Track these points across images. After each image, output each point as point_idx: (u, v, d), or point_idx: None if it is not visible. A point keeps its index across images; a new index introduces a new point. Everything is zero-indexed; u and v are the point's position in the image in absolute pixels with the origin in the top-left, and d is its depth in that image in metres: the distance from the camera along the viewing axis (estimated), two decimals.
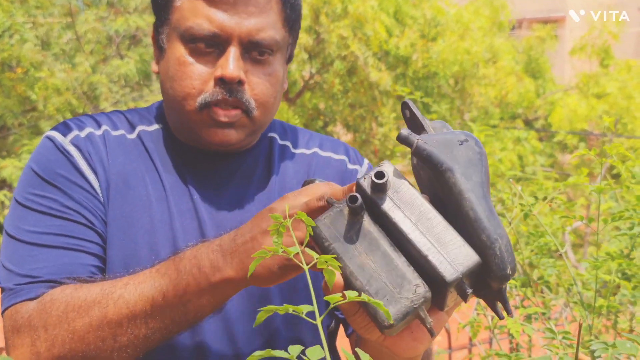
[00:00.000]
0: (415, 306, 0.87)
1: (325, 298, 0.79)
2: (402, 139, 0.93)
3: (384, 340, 0.97)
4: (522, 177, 3.81)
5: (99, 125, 1.28)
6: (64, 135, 1.24)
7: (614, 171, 4.40)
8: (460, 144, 0.92)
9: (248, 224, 1.03)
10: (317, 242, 0.93)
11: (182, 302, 1.03)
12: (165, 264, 1.06)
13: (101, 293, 1.06)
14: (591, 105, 8.14)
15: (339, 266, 0.88)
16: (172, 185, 1.27)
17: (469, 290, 0.87)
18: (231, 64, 1.19)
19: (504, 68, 8.13)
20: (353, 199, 0.90)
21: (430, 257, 0.88)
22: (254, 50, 1.21)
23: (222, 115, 1.21)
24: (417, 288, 0.88)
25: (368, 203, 0.92)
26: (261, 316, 0.76)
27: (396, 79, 7.77)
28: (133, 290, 1.05)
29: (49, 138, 1.25)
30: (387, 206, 0.92)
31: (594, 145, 7.80)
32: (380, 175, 0.91)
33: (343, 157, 1.40)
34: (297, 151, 1.39)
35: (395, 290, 0.88)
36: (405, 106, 0.99)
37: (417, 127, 0.98)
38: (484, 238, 0.87)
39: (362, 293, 0.81)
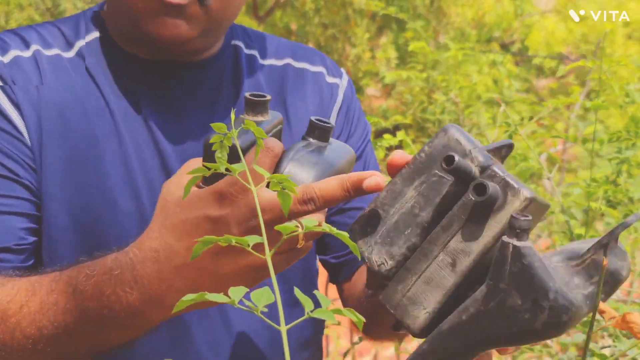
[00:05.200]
0: (366, 261, 0.81)
1: (277, 227, 0.64)
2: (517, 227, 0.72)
3: None
4: (501, 99, 3.64)
5: (27, 45, 1.03)
6: None
7: (591, 95, 4.28)
8: (533, 302, 0.71)
9: (157, 241, 0.79)
10: (429, 141, 0.80)
11: (92, 333, 0.83)
12: (65, 288, 0.83)
13: (8, 301, 0.85)
14: (569, 28, 7.97)
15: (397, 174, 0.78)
16: (122, 111, 1.04)
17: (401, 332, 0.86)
18: None
19: None
20: (448, 161, 0.74)
21: (402, 272, 0.78)
22: None
23: None
24: (385, 261, 0.79)
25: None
26: (198, 248, 0.65)
27: None
28: (38, 307, 0.84)
29: None
30: (459, 213, 0.76)
31: (573, 70, 7.66)
32: (481, 189, 0.73)
33: (320, 68, 1.19)
34: (267, 62, 1.16)
35: (380, 237, 0.80)
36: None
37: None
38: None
39: (330, 225, 0.67)
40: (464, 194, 0.75)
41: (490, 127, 2.46)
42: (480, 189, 0.73)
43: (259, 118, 0.83)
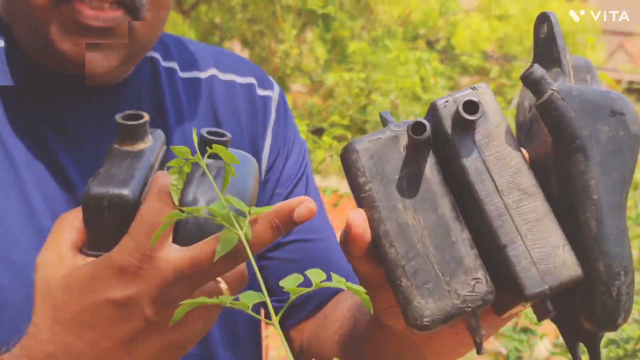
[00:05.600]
0: (467, 310, 0.61)
1: (281, 283, 0.55)
2: (530, 80, 0.62)
3: (414, 334, 0.67)
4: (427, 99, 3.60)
5: None
6: None
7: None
8: (612, 115, 0.61)
9: (50, 342, 0.62)
10: (348, 175, 0.64)
11: None
12: None
13: None
14: (493, 27, 8.11)
15: (372, 218, 0.62)
16: (24, 147, 0.80)
17: (551, 312, 0.62)
18: None
19: None
20: (418, 128, 0.61)
21: (509, 251, 0.61)
22: None
23: (92, 17, 0.75)
24: (476, 284, 0.61)
25: (439, 139, 0.63)
26: (181, 311, 0.55)
27: None
28: None
29: None
30: (467, 154, 0.62)
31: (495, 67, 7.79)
32: (471, 107, 0.61)
33: (250, 79, 0.99)
34: (188, 75, 0.95)
35: (444, 277, 0.61)
36: (543, 19, 0.67)
37: (549, 58, 0.66)
38: (600, 267, 0.60)
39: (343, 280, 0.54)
40: (434, 155, 0.63)
41: None
42: (471, 106, 0.61)
43: (140, 145, 0.65)
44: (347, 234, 0.62)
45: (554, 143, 0.63)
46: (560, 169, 0.63)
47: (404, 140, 0.63)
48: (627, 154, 0.62)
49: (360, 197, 0.63)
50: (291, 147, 1.02)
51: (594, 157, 0.61)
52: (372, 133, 0.64)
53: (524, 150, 0.64)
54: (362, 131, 3.25)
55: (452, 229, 0.62)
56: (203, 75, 0.96)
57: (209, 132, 0.67)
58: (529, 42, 7.98)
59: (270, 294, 0.97)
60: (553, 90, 0.61)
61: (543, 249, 0.61)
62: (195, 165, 0.64)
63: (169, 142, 0.83)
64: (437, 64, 7.12)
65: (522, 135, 0.69)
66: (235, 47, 8.69)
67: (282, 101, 1.02)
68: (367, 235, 0.62)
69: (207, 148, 0.59)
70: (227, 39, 8.32)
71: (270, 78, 1.04)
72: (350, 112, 2.99)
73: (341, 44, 6.38)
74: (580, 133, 0.61)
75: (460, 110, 0.61)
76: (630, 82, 3.42)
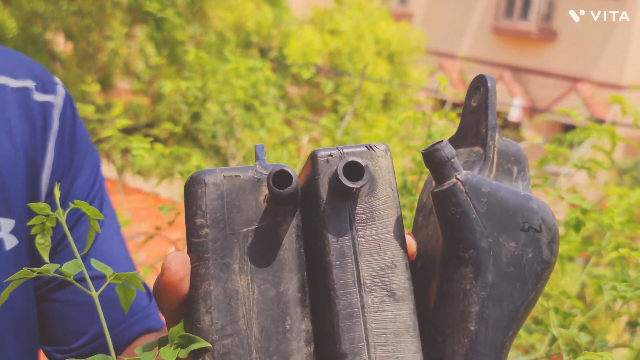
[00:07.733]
0: None
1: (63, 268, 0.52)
2: (433, 160, 0.49)
3: None
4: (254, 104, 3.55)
5: None
6: None
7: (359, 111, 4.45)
8: (524, 230, 0.49)
9: None
10: (187, 210, 0.51)
11: None
12: None
13: None
14: (325, 40, 8.26)
15: (196, 272, 0.50)
16: None
17: None
18: None
19: None
20: (281, 179, 0.49)
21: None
22: None
23: None
24: None
25: (311, 199, 0.51)
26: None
27: None
28: None
29: None
30: (336, 229, 0.49)
31: (330, 83, 7.93)
32: (355, 171, 0.49)
33: (26, 82, 0.85)
34: None
35: None
36: (479, 84, 0.53)
37: (475, 134, 0.54)
38: None
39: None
40: (299, 217, 0.52)
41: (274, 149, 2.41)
42: (355, 169, 0.49)
43: None
44: (159, 280, 0.51)
45: (444, 245, 0.51)
46: (443, 278, 0.51)
47: (266, 189, 0.51)
48: (530, 283, 0.49)
49: (191, 242, 0.51)
50: (81, 164, 0.88)
51: (485, 278, 0.49)
52: (232, 167, 0.52)
53: (411, 240, 0.53)
54: (195, 140, 3.15)
55: (290, 315, 0.50)
56: None
57: None
58: (358, 58, 8.21)
59: (50, 343, 0.84)
60: (457, 179, 0.49)
61: None
62: None
63: None
64: (269, 72, 7.16)
65: (420, 219, 0.56)
66: (59, 39, 8.26)
67: (68, 107, 0.88)
68: (183, 287, 0.51)
69: (71, 203, 0.52)
70: (51, 31, 7.88)
71: (55, 78, 0.89)
72: (184, 119, 2.90)
73: (173, 46, 6.23)
74: (477, 242, 0.49)
75: (340, 172, 0.49)
76: (455, 105, 3.58)
